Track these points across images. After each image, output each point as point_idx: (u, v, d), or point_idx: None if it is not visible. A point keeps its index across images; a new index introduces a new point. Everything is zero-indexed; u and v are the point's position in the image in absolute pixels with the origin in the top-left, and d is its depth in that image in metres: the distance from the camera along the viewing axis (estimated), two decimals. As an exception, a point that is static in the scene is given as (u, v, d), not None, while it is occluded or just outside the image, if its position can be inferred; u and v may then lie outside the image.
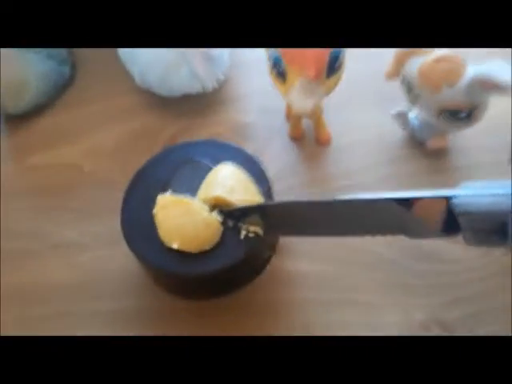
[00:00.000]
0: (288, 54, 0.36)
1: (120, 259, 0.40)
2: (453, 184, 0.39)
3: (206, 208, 0.35)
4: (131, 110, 0.47)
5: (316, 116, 0.42)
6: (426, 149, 0.41)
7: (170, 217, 0.35)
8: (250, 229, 0.35)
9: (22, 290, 0.40)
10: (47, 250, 0.42)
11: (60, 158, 0.46)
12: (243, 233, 0.35)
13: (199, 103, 0.46)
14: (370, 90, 0.45)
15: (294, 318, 0.37)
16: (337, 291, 0.37)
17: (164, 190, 0.37)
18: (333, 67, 0.36)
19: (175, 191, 0.37)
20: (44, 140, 0.47)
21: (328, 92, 0.38)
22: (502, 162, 0.38)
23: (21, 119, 0.47)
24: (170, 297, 0.38)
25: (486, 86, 0.33)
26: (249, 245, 0.35)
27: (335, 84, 0.38)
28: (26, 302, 0.40)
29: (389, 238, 0.37)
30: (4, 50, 0.44)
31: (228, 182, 0.36)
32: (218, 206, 0.36)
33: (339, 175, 0.42)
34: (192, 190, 0.37)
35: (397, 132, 0.42)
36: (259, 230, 0.35)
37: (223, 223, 0.35)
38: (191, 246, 0.35)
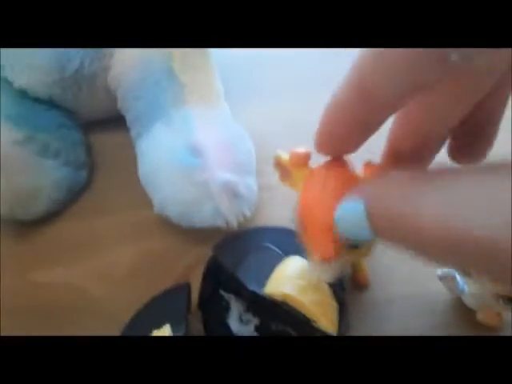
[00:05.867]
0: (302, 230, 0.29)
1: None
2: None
3: None
4: (149, 226, 0.43)
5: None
6: (474, 317, 0.36)
7: None
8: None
9: None
10: None
11: (65, 277, 0.41)
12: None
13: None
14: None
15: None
16: None
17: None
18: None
19: (242, 279, 0.34)
20: (50, 253, 0.42)
21: (355, 259, 0.34)
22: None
23: (28, 228, 0.44)
24: None
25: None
26: None
27: (362, 256, 0.32)
28: None
29: None
30: (20, 155, 0.40)
31: (298, 281, 0.33)
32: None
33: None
34: (260, 280, 0.34)
35: (442, 292, 0.38)
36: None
37: None
38: None
